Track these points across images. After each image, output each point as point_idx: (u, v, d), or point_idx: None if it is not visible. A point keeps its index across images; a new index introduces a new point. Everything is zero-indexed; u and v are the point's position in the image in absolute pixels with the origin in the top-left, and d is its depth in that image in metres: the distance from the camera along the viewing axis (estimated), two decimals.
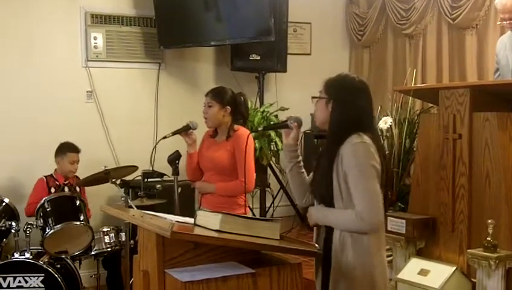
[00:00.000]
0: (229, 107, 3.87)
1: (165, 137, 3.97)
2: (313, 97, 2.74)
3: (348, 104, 2.62)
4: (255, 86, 6.28)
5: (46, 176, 5.08)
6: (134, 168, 4.79)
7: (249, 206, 5.97)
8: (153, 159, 4.13)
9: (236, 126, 3.89)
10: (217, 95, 3.89)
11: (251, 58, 6.10)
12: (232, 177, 3.82)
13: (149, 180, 5.29)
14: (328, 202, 2.60)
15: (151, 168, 4.98)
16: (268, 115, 5.81)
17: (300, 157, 2.83)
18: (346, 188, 2.52)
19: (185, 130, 3.96)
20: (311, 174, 2.80)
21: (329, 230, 2.61)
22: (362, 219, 2.47)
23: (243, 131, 3.87)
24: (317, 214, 2.66)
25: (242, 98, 3.98)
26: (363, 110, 2.65)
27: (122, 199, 4.41)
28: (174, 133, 3.96)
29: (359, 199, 2.48)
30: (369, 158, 2.52)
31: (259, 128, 3.19)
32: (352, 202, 2.51)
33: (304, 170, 2.83)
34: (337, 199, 2.56)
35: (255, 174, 3.96)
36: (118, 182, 4.68)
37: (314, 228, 2.77)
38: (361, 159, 2.51)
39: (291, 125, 2.78)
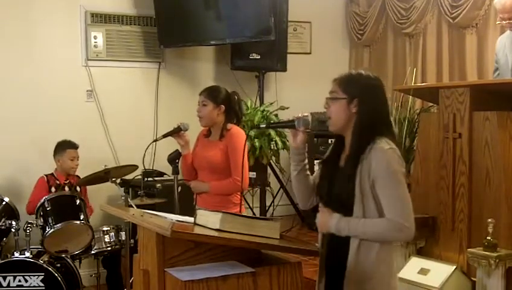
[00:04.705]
0: (223, 106, 3.87)
1: (156, 140, 3.98)
2: (329, 98, 2.55)
3: (373, 101, 2.50)
4: (255, 85, 6.28)
5: (47, 175, 5.08)
6: (134, 167, 4.79)
7: (249, 206, 6.00)
8: (150, 161, 4.14)
9: (229, 125, 3.90)
10: (211, 94, 3.90)
11: (251, 57, 6.10)
12: (225, 175, 3.83)
13: (149, 179, 5.29)
14: (347, 208, 2.46)
15: (150, 168, 4.99)
16: (268, 114, 5.81)
17: (307, 160, 2.69)
18: (371, 195, 2.41)
19: (176, 132, 3.95)
20: (317, 176, 2.68)
21: (343, 238, 2.47)
22: (402, 228, 2.38)
23: (236, 130, 3.88)
24: (338, 224, 2.45)
25: (236, 97, 3.99)
26: (386, 109, 2.57)
27: (122, 198, 4.41)
28: (165, 136, 3.96)
29: (396, 208, 2.38)
30: (401, 166, 2.43)
31: (262, 125, 3.03)
32: (375, 209, 2.40)
33: (309, 172, 2.70)
34: (357, 205, 2.43)
35: (248, 172, 3.98)
36: (118, 181, 4.68)
37: (319, 233, 2.63)
38: (394, 167, 2.40)
39: (298, 128, 2.62)
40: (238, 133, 3.83)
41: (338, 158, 2.58)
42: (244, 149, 3.31)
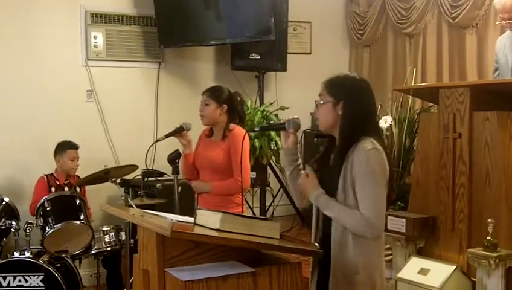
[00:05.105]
0: (225, 105, 3.89)
1: (158, 140, 3.99)
2: (317, 102, 2.66)
3: (359, 103, 2.58)
4: (255, 85, 6.28)
5: (46, 175, 5.08)
6: (134, 167, 4.79)
7: (249, 206, 6.00)
8: (149, 161, 4.14)
9: (232, 125, 3.91)
10: (214, 93, 3.92)
11: (251, 57, 6.09)
12: (227, 176, 3.83)
13: (149, 179, 5.29)
14: None
15: (150, 168, 4.98)
16: (268, 114, 5.81)
17: (300, 160, 2.80)
18: (351, 192, 2.50)
19: (179, 132, 3.97)
20: None
21: (328, 229, 2.59)
22: (369, 224, 2.47)
23: (238, 130, 3.88)
24: (319, 198, 2.58)
25: (239, 97, 4.00)
26: (372, 110, 2.64)
27: (122, 198, 4.41)
28: (167, 136, 3.98)
29: (369, 206, 2.47)
30: (382, 166, 2.51)
31: (256, 129, 3.11)
32: (355, 204, 2.50)
33: (303, 171, 2.78)
34: (339, 200, 2.54)
35: (250, 172, 3.98)
36: (118, 181, 4.68)
37: (312, 227, 2.74)
38: (374, 167, 2.49)
39: (288, 130, 2.72)
40: (241, 133, 3.83)
41: (329, 157, 2.68)
42: (241, 149, 3.31)
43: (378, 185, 2.49)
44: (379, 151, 2.52)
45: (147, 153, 4.06)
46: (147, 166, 4.28)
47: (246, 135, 3.19)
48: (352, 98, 2.57)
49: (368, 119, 2.60)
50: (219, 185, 3.84)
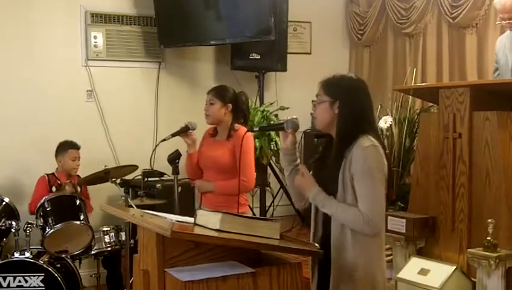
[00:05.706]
0: (230, 104, 3.89)
1: (164, 140, 3.99)
2: (314, 101, 2.71)
3: (355, 103, 2.61)
4: (255, 85, 6.28)
5: (47, 174, 5.08)
6: (134, 167, 4.79)
7: (249, 206, 6.00)
8: (152, 161, 4.15)
9: (237, 125, 3.90)
10: (219, 92, 3.92)
11: (251, 57, 6.09)
12: (232, 175, 3.83)
13: (149, 179, 5.30)
14: None
15: (150, 168, 4.99)
16: (268, 114, 5.81)
17: (299, 160, 2.82)
18: (350, 189, 2.53)
19: (184, 131, 3.97)
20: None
21: (327, 228, 2.62)
22: (368, 221, 2.50)
23: (243, 130, 3.87)
24: (317, 196, 2.61)
25: (243, 97, 4.01)
26: (368, 109, 2.67)
27: (122, 198, 4.41)
28: (173, 135, 3.98)
29: (367, 202, 2.50)
30: (380, 163, 2.54)
31: (255, 129, 3.12)
32: (355, 201, 2.53)
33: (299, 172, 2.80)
34: (339, 200, 2.56)
35: (255, 173, 3.98)
36: (118, 181, 4.68)
37: (311, 227, 2.76)
38: (372, 164, 2.52)
39: (287, 130, 2.75)
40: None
41: (327, 157, 2.70)
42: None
43: (376, 183, 2.52)
44: (377, 147, 2.55)
45: (152, 152, 4.08)
46: (151, 165, 4.28)
47: (247, 134, 3.18)
48: (348, 98, 2.61)
49: (364, 118, 2.63)
50: (223, 185, 3.83)
